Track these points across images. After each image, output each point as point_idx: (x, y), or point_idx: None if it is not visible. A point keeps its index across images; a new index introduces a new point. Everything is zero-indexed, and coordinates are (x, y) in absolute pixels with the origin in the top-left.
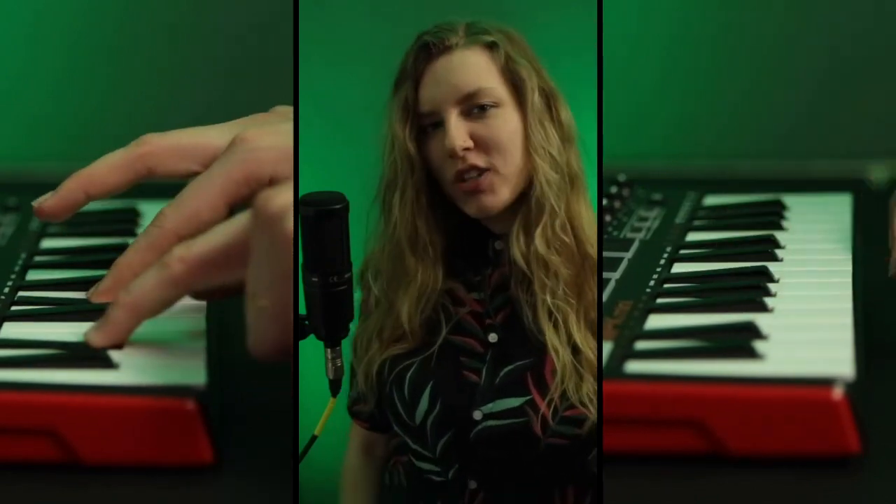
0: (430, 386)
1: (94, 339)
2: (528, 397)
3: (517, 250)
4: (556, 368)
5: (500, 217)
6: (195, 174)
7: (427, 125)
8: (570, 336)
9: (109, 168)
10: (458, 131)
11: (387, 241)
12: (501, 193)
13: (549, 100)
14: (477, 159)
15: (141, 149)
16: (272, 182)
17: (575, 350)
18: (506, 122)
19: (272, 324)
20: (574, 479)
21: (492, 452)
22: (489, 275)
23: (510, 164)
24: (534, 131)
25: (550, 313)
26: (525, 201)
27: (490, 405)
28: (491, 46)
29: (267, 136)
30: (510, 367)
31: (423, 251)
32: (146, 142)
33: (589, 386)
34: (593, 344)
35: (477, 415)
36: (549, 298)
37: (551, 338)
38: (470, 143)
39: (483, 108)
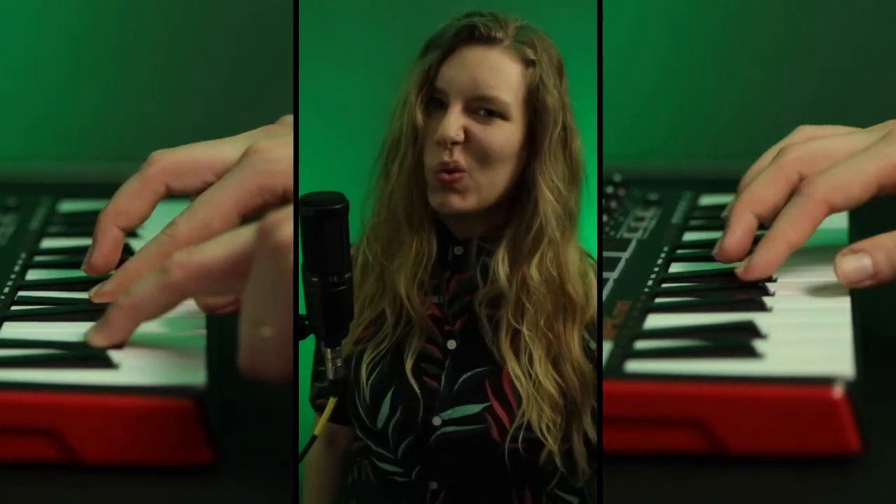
0: (390, 392)
1: (94, 340)
2: (486, 404)
3: (501, 271)
4: (520, 395)
5: (463, 222)
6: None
7: (436, 100)
8: (531, 368)
9: (129, 196)
10: (455, 122)
11: (384, 206)
12: (469, 199)
13: (566, 135)
14: (460, 157)
15: (154, 168)
16: (285, 194)
17: (536, 382)
18: (505, 136)
19: (275, 353)
20: (531, 481)
21: (451, 456)
22: (447, 279)
23: (489, 175)
24: (547, 163)
25: (513, 340)
26: (515, 225)
27: (449, 411)
28: (529, 63)
29: (280, 147)
30: (468, 374)
31: (419, 221)
32: (157, 160)
33: (546, 416)
34: (553, 375)
35: (436, 421)
36: (524, 329)
37: (513, 366)
38: (461, 138)
39: (490, 114)
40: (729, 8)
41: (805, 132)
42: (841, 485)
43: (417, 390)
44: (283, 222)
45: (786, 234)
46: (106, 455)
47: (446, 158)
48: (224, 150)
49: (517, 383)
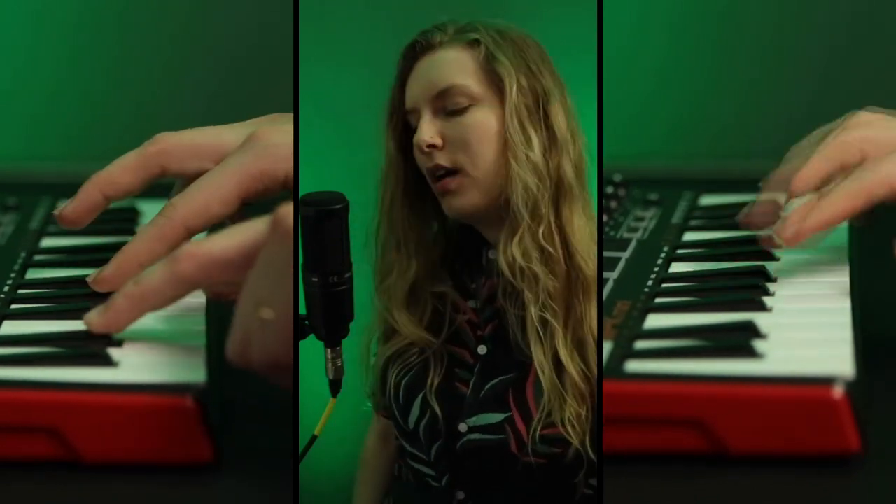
0: (422, 393)
1: (94, 323)
2: (507, 414)
3: (503, 260)
4: (543, 386)
5: (491, 224)
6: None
7: (413, 124)
8: (555, 352)
9: (124, 169)
10: (427, 127)
11: (378, 238)
12: (470, 195)
13: (537, 101)
14: (442, 159)
15: (154, 147)
16: (286, 179)
17: (559, 367)
18: (479, 122)
19: (275, 337)
20: (556, 498)
21: (476, 465)
22: (482, 284)
23: (480, 165)
24: (511, 133)
25: (538, 328)
26: (508, 208)
27: (474, 419)
28: (473, 44)
29: (283, 134)
30: (494, 382)
31: (406, 248)
32: (159, 140)
33: (572, 410)
34: (578, 361)
35: (462, 427)
36: (534, 310)
37: (537, 353)
38: (437, 141)
39: (458, 108)
40: (728, 8)
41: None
42: (841, 485)
43: (447, 394)
44: None
45: (838, 203)
46: (106, 453)
47: (428, 164)
48: (225, 136)
49: (541, 374)
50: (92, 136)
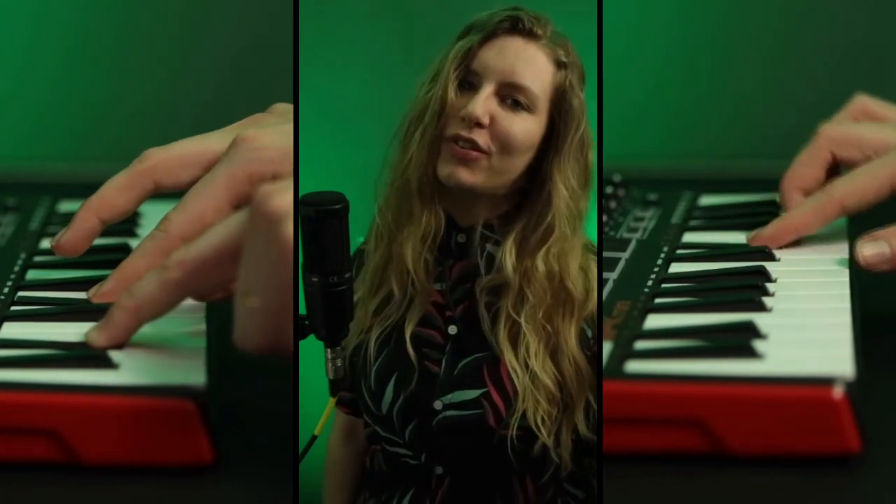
0: (394, 377)
1: (95, 340)
2: (483, 390)
3: (509, 261)
4: (517, 389)
5: (467, 209)
6: None
7: (465, 80)
8: (529, 360)
9: (117, 190)
10: (482, 104)
11: (398, 176)
12: (477, 176)
13: (583, 141)
14: (479, 137)
15: (144, 164)
16: (275, 180)
17: (532, 375)
18: (528, 127)
19: (261, 325)
20: (532, 468)
21: (453, 441)
22: (451, 267)
23: (506, 162)
24: (566, 162)
25: (512, 331)
26: (526, 216)
27: (449, 396)
28: (560, 65)
29: (267, 135)
30: (467, 360)
31: (430, 195)
32: (148, 157)
33: (543, 409)
34: (550, 370)
35: (437, 405)
36: (523, 320)
37: (510, 358)
38: (486, 121)
39: (517, 104)
40: (728, 8)
41: (861, 103)
42: (841, 485)
43: (419, 374)
44: (276, 192)
45: (795, 219)
46: (106, 455)
47: (464, 133)
48: (212, 142)
49: (514, 375)
50: (92, 137)
